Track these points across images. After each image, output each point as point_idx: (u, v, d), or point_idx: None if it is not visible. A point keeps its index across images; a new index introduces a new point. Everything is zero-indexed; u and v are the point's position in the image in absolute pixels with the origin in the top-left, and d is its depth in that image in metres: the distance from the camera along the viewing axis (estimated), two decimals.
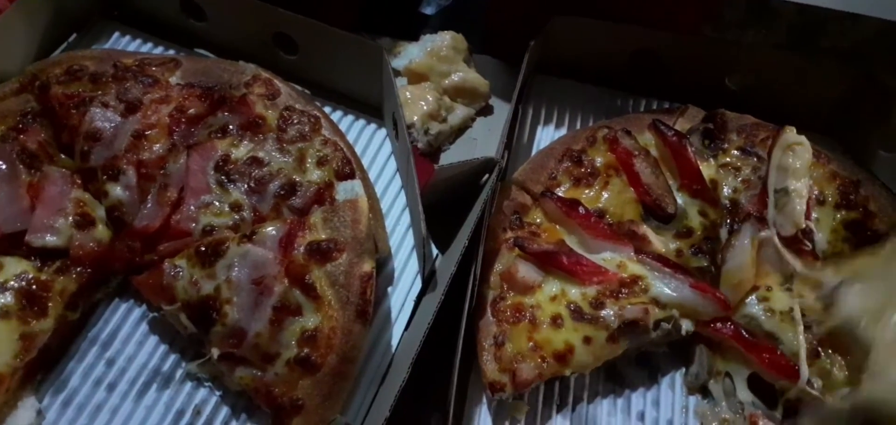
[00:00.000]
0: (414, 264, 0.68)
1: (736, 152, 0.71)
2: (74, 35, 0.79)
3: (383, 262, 0.68)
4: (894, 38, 0.74)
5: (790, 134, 0.69)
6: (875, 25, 0.82)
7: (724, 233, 0.67)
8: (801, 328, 0.61)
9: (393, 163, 0.74)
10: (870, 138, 0.75)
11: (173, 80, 0.70)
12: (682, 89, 0.77)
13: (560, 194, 0.67)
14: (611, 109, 0.78)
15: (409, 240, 0.70)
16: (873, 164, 0.73)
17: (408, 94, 0.76)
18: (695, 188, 0.68)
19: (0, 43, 0.71)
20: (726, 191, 0.69)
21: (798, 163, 0.67)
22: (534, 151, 0.75)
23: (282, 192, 0.65)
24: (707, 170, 0.69)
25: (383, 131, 0.76)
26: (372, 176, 0.72)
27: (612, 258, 0.64)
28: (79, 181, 0.66)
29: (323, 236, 0.62)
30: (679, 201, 0.67)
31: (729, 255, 0.65)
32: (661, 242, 0.65)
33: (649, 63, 0.76)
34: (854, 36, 0.84)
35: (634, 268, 0.64)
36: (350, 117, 0.77)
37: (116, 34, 0.79)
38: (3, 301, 0.60)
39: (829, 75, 0.76)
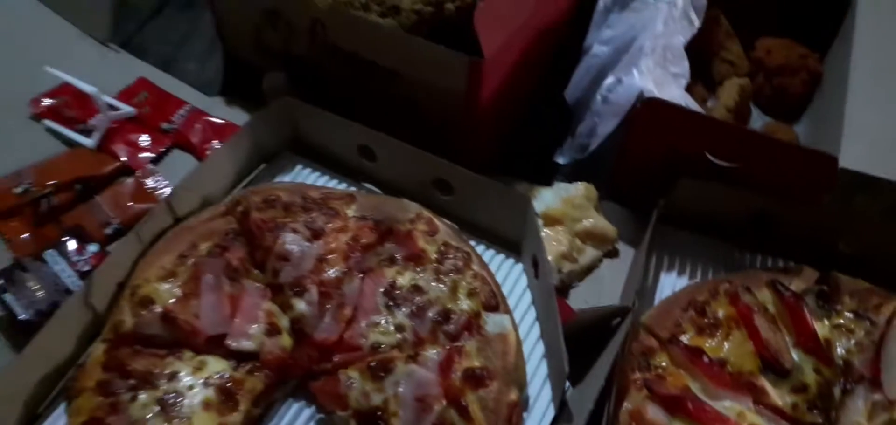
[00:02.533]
0: (546, 393, 0.76)
1: (849, 314, 0.76)
2: (263, 165, 0.92)
3: (520, 391, 0.76)
4: None
5: None
6: None
7: (837, 391, 0.72)
8: None
9: (527, 297, 0.83)
10: None
11: (350, 212, 0.82)
12: (796, 249, 0.83)
13: (685, 341, 0.74)
14: (729, 262, 0.85)
15: (542, 370, 0.78)
16: None
17: (543, 234, 0.85)
18: (810, 346, 0.74)
19: (211, 173, 0.85)
20: (840, 350, 0.74)
21: None
22: (657, 296, 0.83)
23: (438, 319, 0.74)
24: (821, 329, 0.75)
25: (519, 266, 0.85)
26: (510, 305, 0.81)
27: (732, 407, 0.70)
28: (269, 294, 0.78)
29: (477, 364, 0.71)
30: (795, 357, 0.73)
31: (843, 415, 0.70)
32: (778, 395, 0.71)
33: (766, 223, 0.83)
34: None
35: (754, 418, 0.69)
36: (491, 252, 0.86)
37: (299, 166, 0.92)
38: (206, 394, 0.70)
39: None
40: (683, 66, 0.85)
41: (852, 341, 0.74)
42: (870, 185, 0.87)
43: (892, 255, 0.80)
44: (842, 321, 0.76)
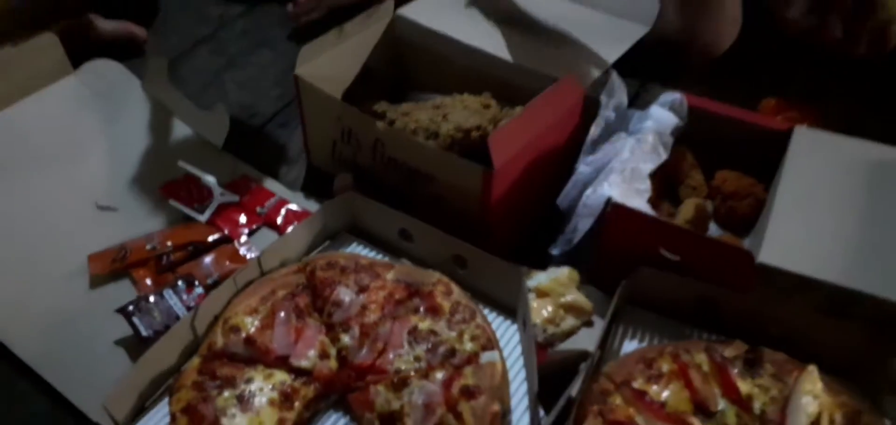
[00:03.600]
0: (526, 420, 0.96)
1: (769, 377, 0.94)
2: (328, 242, 1.18)
3: (505, 413, 0.95)
4: None
5: (812, 371, 0.93)
6: None
7: None
8: None
9: (518, 349, 1.05)
10: (883, 386, 0.96)
11: (389, 277, 1.05)
12: (734, 330, 1.01)
13: (634, 386, 0.94)
14: (679, 336, 1.03)
15: (524, 402, 0.98)
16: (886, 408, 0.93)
17: (534, 304, 1.07)
18: (733, 397, 0.92)
19: (290, 243, 1.10)
20: (757, 405, 0.91)
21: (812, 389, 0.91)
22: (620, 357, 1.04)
23: (446, 354, 0.96)
24: (744, 386, 0.93)
25: (513, 326, 1.07)
26: (504, 354, 1.03)
27: None
28: (323, 330, 1.03)
29: (471, 382, 0.92)
30: (721, 405, 0.92)
31: None
32: None
33: (709, 307, 1.03)
34: (885, 313, 1.04)
35: None
36: (493, 314, 1.09)
37: (354, 243, 1.17)
38: (272, 395, 0.91)
39: (854, 334, 0.96)
40: (646, 184, 1.08)
41: (769, 396, 0.93)
42: (804, 285, 1.05)
43: (809, 339, 0.98)
44: (762, 381, 0.94)
